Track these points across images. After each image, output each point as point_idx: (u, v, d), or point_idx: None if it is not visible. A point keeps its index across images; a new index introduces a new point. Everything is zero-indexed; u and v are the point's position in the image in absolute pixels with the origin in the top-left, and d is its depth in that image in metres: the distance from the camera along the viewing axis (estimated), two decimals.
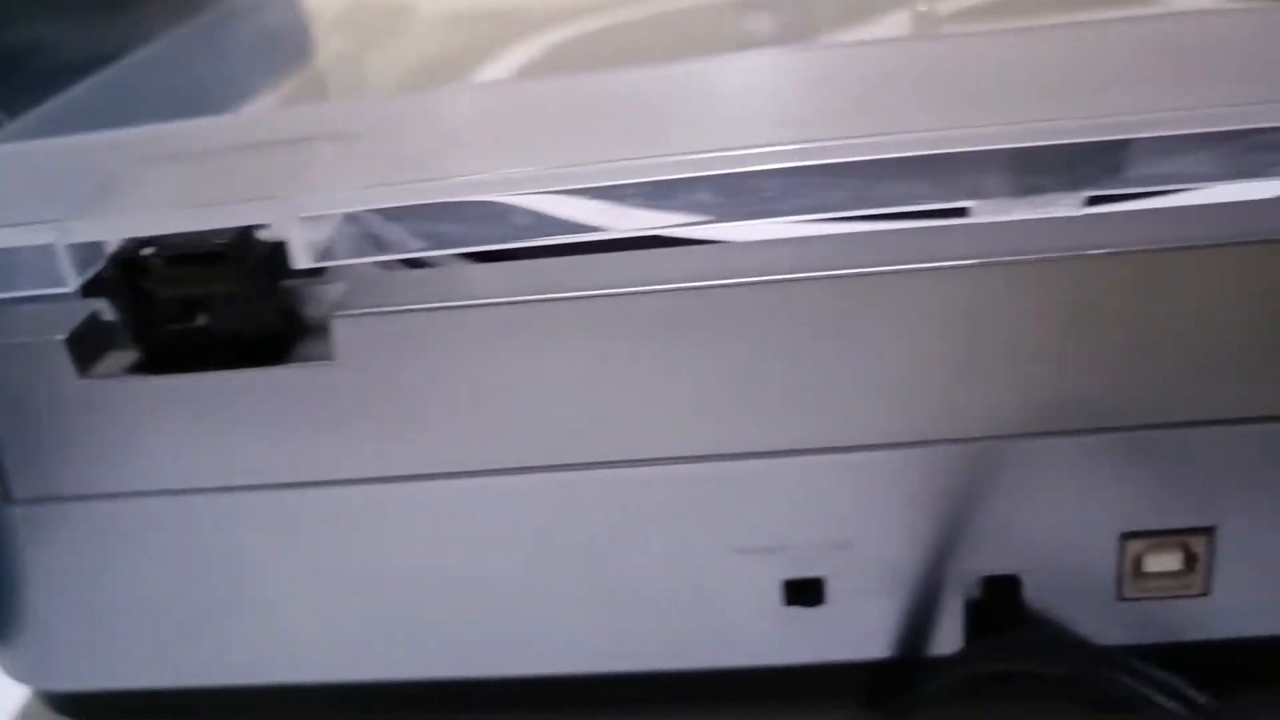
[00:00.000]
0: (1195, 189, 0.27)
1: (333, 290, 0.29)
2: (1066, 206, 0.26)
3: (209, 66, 0.47)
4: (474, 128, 0.31)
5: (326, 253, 0.28)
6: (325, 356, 0.28)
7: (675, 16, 0.51)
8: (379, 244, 0.28)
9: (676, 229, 0.28)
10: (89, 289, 0.28)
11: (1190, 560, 0.29)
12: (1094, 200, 0.27)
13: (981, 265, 0.27)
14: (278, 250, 0.27)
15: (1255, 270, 0.26)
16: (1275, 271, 0.26)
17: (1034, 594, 0.30)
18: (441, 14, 0.54)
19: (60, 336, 0.28)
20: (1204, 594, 0.30)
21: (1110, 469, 0.28)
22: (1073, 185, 0.26)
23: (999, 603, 0.30)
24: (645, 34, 0.50)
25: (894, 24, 0.44)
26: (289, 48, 0.51)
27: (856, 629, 0.30)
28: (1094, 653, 0.28)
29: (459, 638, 0.30)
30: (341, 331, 0.28)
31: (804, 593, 0.30)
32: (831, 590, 0.30)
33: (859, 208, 0.26)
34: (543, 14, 0.51)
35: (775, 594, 0.30)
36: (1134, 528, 0.29)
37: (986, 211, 0.26)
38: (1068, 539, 0.29)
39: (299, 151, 0.30)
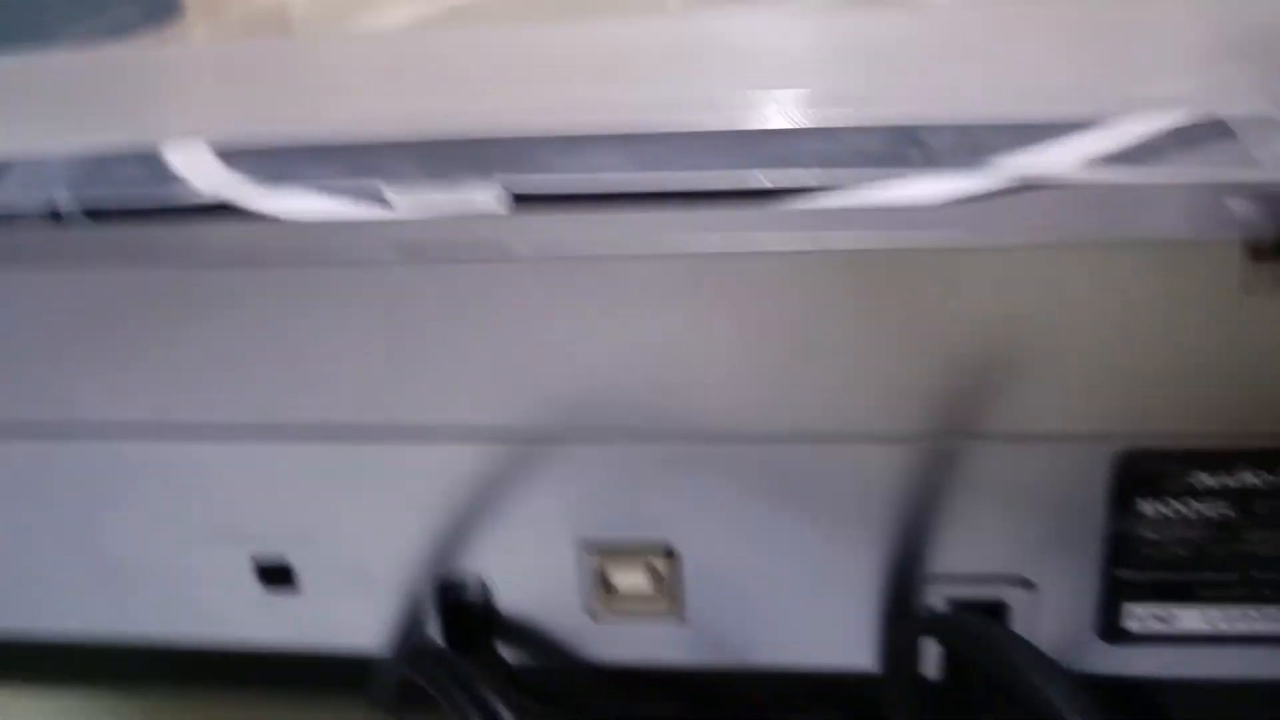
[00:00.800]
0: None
1: None
2: (486, 203, 0.25)
3: None
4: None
5: None
6: None
7: None
8: None
9: None
10: None
11: (659, 581, 0.28)
12: (518, 199, 0.26)
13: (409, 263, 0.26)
14: None
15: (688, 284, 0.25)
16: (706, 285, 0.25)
17: (507, 601, 0.29)
18: None
19: None
20: (679, 618, 0.29)
21: (575, 479, 0.27)
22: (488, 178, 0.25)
23: (472, 606, 0.29)
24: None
25: None
26: None
27: (332, 619, 0.30)
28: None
29: None
30: None
31: (276, 578, 0.29)
32: (304, 579, 0.29)
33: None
34: None
35: (250, 576, 0.29)
36: (599, 541, 0.28)
37: (404, 205, 0.26)
38: (536, 547, 0.28)
39: None
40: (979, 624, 0.27)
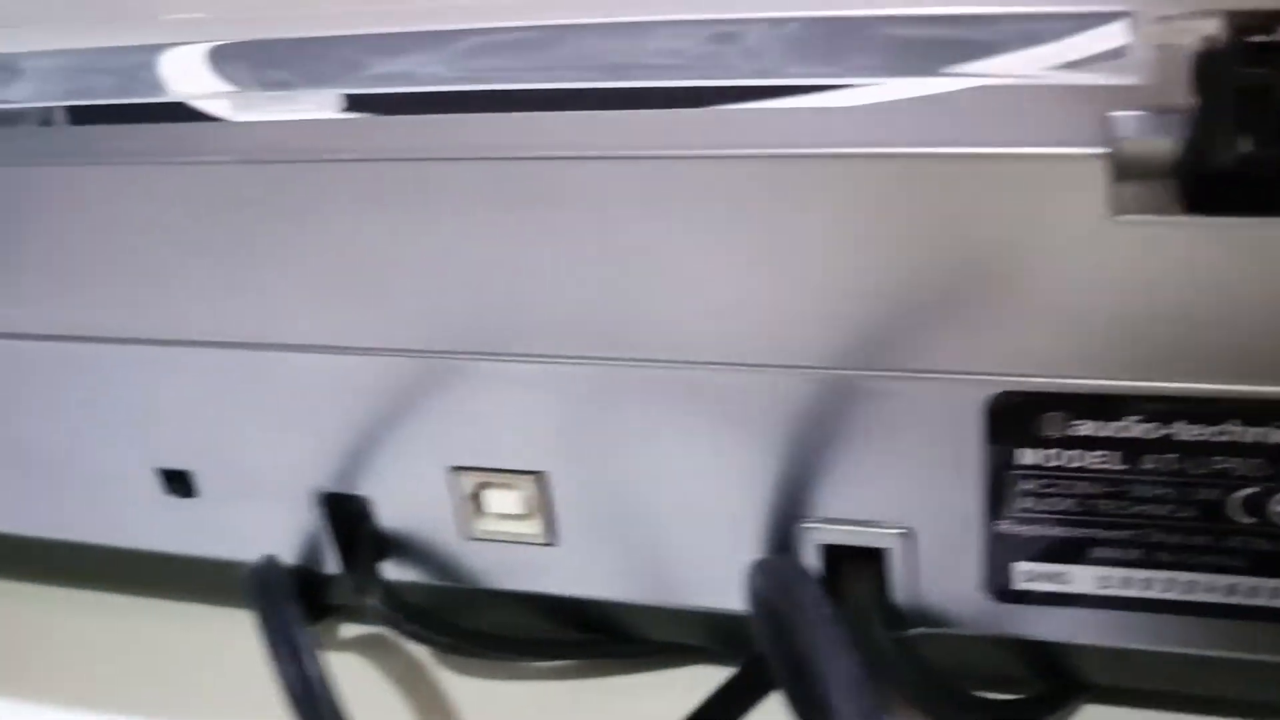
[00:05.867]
0: None
1: None
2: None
3: None
4: None
5: None
6: None
7: None
8: None
9: None
10: None
11: (530, 504, 0.28)
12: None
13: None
14: None
15: None
16: None
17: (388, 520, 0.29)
18: None
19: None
20: (550, 543, 0.28)
21: (449, 398, 0.27)
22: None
23: (355, 522, 0.29)
24: None
25: None
26: None
27: (228, 526, 0.30)
28: None
29: None
30: None
31: (177, 483, 0.30)
32: (202, 485, 0.30)
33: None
34: None
35: (153, 480, 0.30)
36: (472, 463, 0.28)
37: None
38: (405, 466, 0.28)
39: None
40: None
